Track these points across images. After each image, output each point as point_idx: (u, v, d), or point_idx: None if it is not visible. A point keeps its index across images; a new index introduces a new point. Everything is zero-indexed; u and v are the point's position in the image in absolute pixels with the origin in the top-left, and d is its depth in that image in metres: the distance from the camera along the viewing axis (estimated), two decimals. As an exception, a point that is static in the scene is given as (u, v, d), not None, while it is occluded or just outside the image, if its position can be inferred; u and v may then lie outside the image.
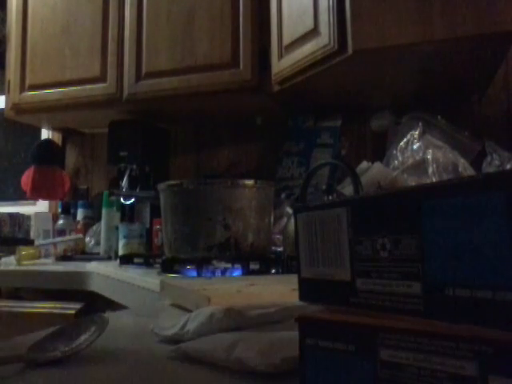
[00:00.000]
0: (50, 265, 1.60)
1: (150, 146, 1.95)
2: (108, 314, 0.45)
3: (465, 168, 1.30)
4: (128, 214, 1.83)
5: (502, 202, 0.21)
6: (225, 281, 0.86)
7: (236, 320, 0.44)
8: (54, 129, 2.38)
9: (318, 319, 0.29)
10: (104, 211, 1.77)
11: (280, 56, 1.51)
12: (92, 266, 1.45)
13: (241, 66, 1.65)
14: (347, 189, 1.33)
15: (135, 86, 1.81)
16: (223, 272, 0.98)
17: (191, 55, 1.72)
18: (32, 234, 2.19)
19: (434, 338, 0.23)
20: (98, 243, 1.83)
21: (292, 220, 1.09)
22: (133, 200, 1.78)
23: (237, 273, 0.98)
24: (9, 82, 2.05)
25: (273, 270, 1.01)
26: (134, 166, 1.89)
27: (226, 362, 0.37)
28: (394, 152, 1.44)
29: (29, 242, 1.96)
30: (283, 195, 1.63)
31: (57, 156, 2.28)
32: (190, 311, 0.52)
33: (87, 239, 1.89)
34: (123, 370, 0.39)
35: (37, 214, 2.19)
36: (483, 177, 0.22)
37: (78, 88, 1.90)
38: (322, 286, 0.31)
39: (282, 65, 1.50)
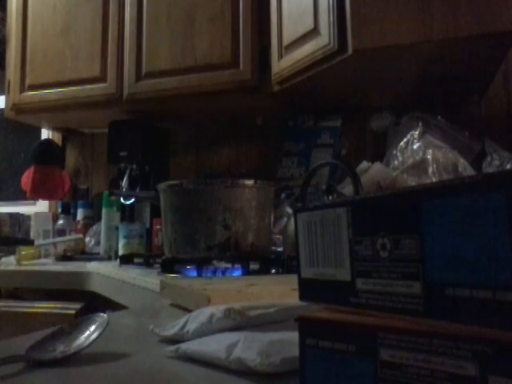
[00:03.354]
0: (50, 265, 1.60)
1: (150, 146, 1.95)
2: (108, 314, 0.45)
3: (465, 168, 1.30)
4: (128, 214, 1.83)
5: (502, 202, 0.21)
6: (225, 281, 0.86)
7: (236, 320, 0.44)
8: (54, 129, 2.37)
9: (318, 319, 0.29)
10: (104, 211, 1.77)
11: (280, 56, 1.51)
12: (92, 266, 1.45)
13: (241, 66, 1.64)
14: (347, 189, 1.33)
15: (135, 85, 1.81)
16: (223, 272, 0.98)
17: (191, 55, 1.72)
18: (32, 234, 2.19)
19: (433, 337, 0.23)
20: (98, 243, 1.82)
21: (292, 220, 1.09)
22: (133, 200, 1.78)
23: (237, 273, 0.98)
24: (9, 81, 2.05)
25: (273, 270, 1.01)
26: (134, 166, 1.89)
27: (225, 362, 0.37)
28: (394, 152, 1.44)
29: (29, 242, 1.96)
30: (283, 195, 1.63)
31: (57, 156, 2.27)
32: (190, 311, 0.52)
33: (87, 239, 1.89)
34: (123, 370, 0.39)
35: (37, 214, 2.19)
36: (483, 177, 0.22)
37: (78, 88, 1.90)
38: (322, 285, 0.31)
39: (281, 65, 1.50)
